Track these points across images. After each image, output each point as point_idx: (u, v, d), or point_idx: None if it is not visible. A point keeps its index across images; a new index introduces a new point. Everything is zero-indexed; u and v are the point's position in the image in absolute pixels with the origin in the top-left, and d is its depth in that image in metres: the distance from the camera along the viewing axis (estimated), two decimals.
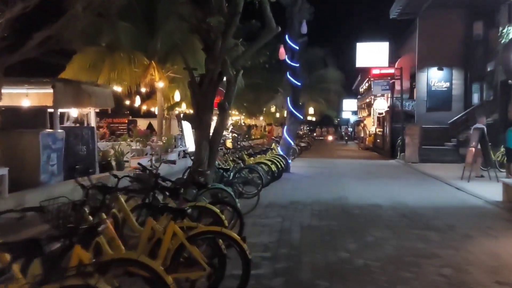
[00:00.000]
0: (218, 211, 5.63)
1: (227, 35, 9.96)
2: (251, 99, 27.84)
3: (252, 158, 13.23)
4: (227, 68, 10.27)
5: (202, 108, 10.48)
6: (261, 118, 42.21)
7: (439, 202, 10.82)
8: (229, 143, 23.68)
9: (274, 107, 30.36)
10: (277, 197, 11.23)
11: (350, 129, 61.19)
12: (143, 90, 17.19)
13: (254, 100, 28.15)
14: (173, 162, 8.46)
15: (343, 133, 51.10)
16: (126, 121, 24.96)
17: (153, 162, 11.10)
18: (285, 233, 7.39)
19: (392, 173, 17.59)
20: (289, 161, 17.02)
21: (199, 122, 10.45)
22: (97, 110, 18.21)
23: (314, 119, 55.64)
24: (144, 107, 24.89)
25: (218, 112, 10.58)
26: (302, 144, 31.78)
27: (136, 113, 26.52)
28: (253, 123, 44.69)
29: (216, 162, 11.53)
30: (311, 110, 30.41)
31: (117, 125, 25.87)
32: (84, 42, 14.85)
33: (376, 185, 13.92)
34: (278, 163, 13.94)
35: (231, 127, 28.71)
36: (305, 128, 67.67)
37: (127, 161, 12.60)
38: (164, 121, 18.70)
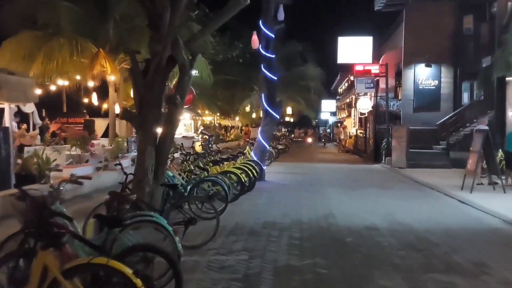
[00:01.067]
0: (128, 272, 3.27)
1: (179, 5, 7.64)
2: (225, 98, 25.46)
3: (217, 166, 10.90)
4: (180, 51, 7.94)
5: (147, 104, 8.11)
6: (237, 118, 39.90)
7: (448, 222, 8.68)
8: (198, 147, 21.30)
9: (249, 106, 27.94)
10: (246, 216, 8.91)
11: (328, 131, 59.40)
12: (91, 84, 14.64)
13: (228, 99, 25.75)
14: (89, 177, 6.08)
15: (321, 134, 48.88)
16: (83, 121, 22.22)
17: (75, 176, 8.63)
18: (252, 285, 5.07)
19: (380, 181, 15.50)
20: (264, 167, 14.73)
21: (142, 122, 8.06)
22: (13, 105, 15.77)
23: (292, 120, 53.58)
24: (105, 106, 22.27)
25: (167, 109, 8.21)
26: (280, 147, 29.60)
27: (95, 112, 23.83)
28: (229, 124, 42.36)
29: (170, 173, 9.17)
30: (289, 110, 28.11)
31: (73, 125, 23.10)
32: (19, 25, 12.30)
33: (365, 197, 11.76)
34: (250, 171, 11.63)
35: (201, 128, 26.32)
36: (283, 130, 65.59)
37: (61, 170, 10.09)
38: (118, 122, 16.19)
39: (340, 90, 61.77)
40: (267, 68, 14.15)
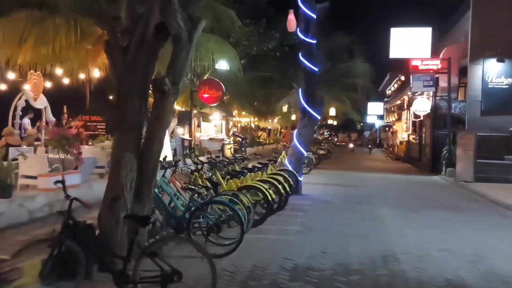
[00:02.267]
0: None
1: None
2: (260, 97, 22.84)
3: (236, 179, 8.33)
4: (173, 15, 5.55)
5: (126, 92, 5.80)
6: (276, 120, 37.29)
7: None
8: (228, 151, 18.88)
9: (287, 107, 25.07)
10: (270, 254, 6.28)
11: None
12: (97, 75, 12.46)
13: (263, 98, 23.10)
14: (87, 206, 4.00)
15: (367, 139, 44.44)
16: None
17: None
18: None
19: (447, 199, 12.43)
20: (301, 178, 12.04)
21: (119, 118, 5.73)
22: (21, 100, 13.85)
23: (335, 122, 50.32)
24: None
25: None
26: (321, 152, 26.76)
27: None
28: (268, 126, 39.81)
29: (170, 189, 6.70)
30: (332, 112, 25.06)
31: (95, 123, 21.31)
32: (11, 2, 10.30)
33: (434, 224, 8.84)
34: (281, 184, 9.00)
35: (234, 129, 23.86)
36: (325, 133, 62.16)
37: (35, 177, 7.87)
38: None
39: (388, 92, 57.80)
40: (306, 56, 11.46)
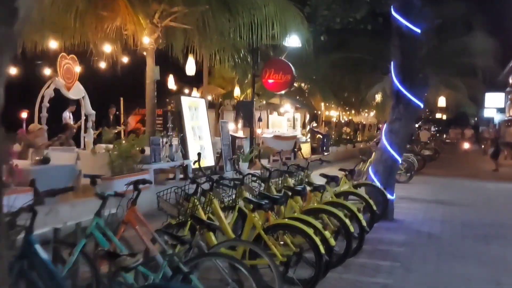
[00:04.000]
0: None
1: None
2: (347, 85, 18.66)
3: (270, 212, 4.73)
4: None
5: None
6: (372, 114, 32.46)
7: None
8: (306, 149, 15.23)
9: (380, 96, 20.31)
10: None
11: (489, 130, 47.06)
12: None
13: (352, 87, 18.88)
14: None
15: (484, 137, 35.20)
16: (161, 113, 17.90)
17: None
18: None
19: None
20: (392, 196, 8.07)
21: None
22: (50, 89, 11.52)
23: (444, 117, 43.54)
24: (196, 93, 17.62)
25: None
26: (426, 153, 21.81)
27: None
28: (362, 120, 35.09)
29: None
30: (441, 102, 19.84)
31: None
32: None
33: None
34: (356, 214, 5.36)
35: (313, 124, 19.96)
36: (432, 129, 54.70)
37: None
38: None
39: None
40: (401, 10, 7.44)
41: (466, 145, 27.67)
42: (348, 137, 23.79)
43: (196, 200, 4.41)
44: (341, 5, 13.85)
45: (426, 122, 44.21)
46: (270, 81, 12.88)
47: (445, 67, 17.08)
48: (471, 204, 10.44)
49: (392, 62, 7.82)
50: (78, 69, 10.99)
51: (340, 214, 5.09)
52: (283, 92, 14.18)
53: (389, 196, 7.76)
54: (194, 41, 9.75)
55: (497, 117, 52.19)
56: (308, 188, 5.74)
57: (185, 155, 8.66)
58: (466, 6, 16.89)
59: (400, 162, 8.29)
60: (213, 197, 4.62)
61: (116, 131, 13.78)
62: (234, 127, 12.51)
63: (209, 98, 18.88)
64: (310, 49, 11.43)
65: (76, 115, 13.28)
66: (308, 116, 17.70)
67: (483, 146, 26.08)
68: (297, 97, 21.10)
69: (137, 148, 7.32)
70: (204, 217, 4.35)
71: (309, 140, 16.58)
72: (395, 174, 8.30)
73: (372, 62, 17.65)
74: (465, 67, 17.61)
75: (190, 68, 11.40)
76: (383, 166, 7.92)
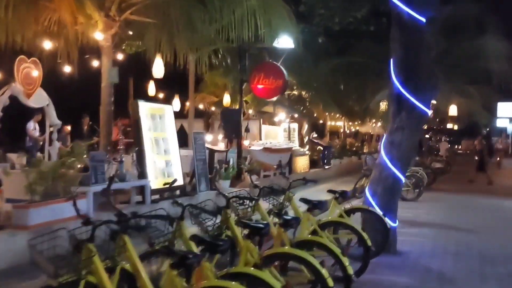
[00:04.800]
0: None
1: None
2: (350, 92, 17.15)
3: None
4: None
5: None
6: (379, 124, 30.90)
7: None
8: (304, 162, 13.83)
9: (385, 104, 18.66)
10: None
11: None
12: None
13: (355, 94, 17.34)
14: None
15: (495, 147, 32.09)
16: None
17: None
18: None
19: None
20: (394, 224, 6.56)
21: None
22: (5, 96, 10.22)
23: (456, 127, 41.67)
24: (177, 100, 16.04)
25: None
26: (437, 165, 20.21)
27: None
28: (369, 131, 33.54)
29: None
30: (452, 110, 18.11)
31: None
32: None
33: None
34: (338, 261, 3.92)
35: (313, 134, 18.43)
36: (443, 139, 52.32)
37: None
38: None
39: None
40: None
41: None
42: (353, 149, 22.24)
43: (93, 250, 2.99)
44: (340, 3, 12.43)
45: (437, 132, 42.22)
46: (260, 86, 11.52)
47: (457, 73, 15.47)
48: (489, 228, 8.86)
49: (391, 59, 6.37)
50: (36, 73, 9.64)
51: (314, 262, 3.63)
52: (274, 98, 12.78)
53: (390, 224, 6.25)
54: (163, 38, 8.41)
55: (510, 127, 50.18)
56: (276, 222, 4.31)
57: (142, 174, 7.26)
58: (478, 8, 15.30)
59: (404, 181, 6.77)
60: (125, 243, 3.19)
61: (91, 143, 12.40)
62: (216, 139, 11.09)
63: (201, 106, 17.57)
64: (302, 50, 10.06)
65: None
66: (306, 126, 16.19)
67: (498, 159, 24.25)
68: (296, 106, 19.69)
69: (79, 166, 5.97)
70: (104, 277, 2.94)
71: (307, 152, 15.10)
72: (397, 196, 6.79)
73: (377, 67, 16.11)
74: (479, 73, 15.94)
75: (158, 70, 10.06)
76: (383, 187, 6.43)
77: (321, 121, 20.75)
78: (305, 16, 11.84)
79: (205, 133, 10.79)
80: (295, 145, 13.70)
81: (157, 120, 7.88)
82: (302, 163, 14.36)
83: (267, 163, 11.40)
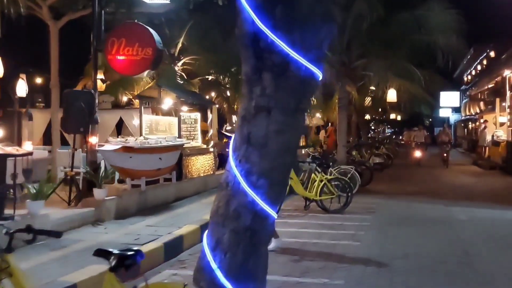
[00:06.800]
0: None
1: None
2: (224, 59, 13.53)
3: None
4: None
5: None
6: (318, 115, 27.97)
7: None
8: (204, 163, 10.49)
9: None
10: None
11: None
12: None
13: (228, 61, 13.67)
14: None
15: (441, 140, 27.73)
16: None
17: None
18: None
19: None
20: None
21: None
22: None
23: (399, 117, 39.59)
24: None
25: None
26: (376, 161, 17.65)
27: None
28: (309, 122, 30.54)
29: None
30: (391, 95, 15.19)
31: None
32: None
33: None
34: None
35: (226, 126, 15.02)
36: (386, 131, 50.62)
37: None
38: None
39: (468, 77, 46.85)
40: None
41: (418, 154, 22.89)
42: None
43: None
44: None
45: (378, 123, 40.03)
46: (120, 57, 7.92)
47: (395, 47, 12.50)
48: (443, 264, 5.82)
49: None
50: None
51: None
52: (144, 74, 9.20)
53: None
54: None
55: (453, 117, 49.44)
56: None
57: None
58: None
59: (276, 217, 3.37)
60: None
61: None
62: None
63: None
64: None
65: None
66: (211, 117, 12.57)
67: (445, 155, 21.78)
68: (211, 93, 16.17)
69: None
70: None
71: (212, 150, 11.62)
72: (262, 261, 3.34)
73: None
74: (421, 52, 13.07)
75: None
76: (233, 232, 3.04)
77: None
78: None
79: None
80: (189, 141, 10.22)
81: None
82: (202, 165, 10.91)
83: (131, 168, 7.88)
